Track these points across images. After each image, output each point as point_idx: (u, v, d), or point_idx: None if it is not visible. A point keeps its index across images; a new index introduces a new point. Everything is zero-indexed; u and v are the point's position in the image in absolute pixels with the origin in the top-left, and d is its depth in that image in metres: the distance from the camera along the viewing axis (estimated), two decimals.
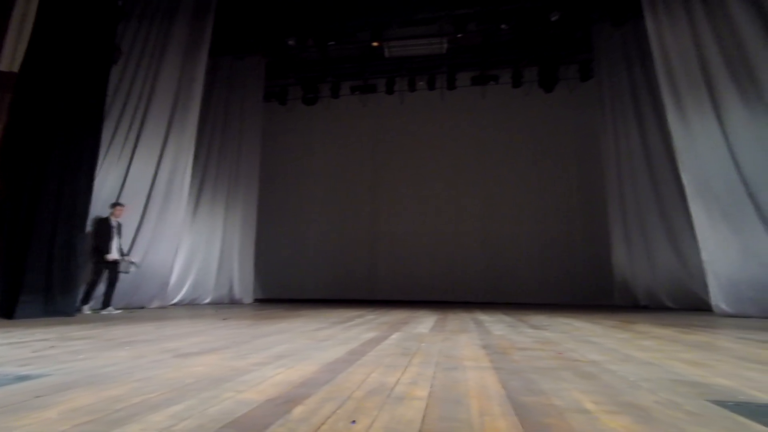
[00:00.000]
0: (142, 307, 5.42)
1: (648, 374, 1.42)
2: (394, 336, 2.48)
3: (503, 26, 7.12)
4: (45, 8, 4.24)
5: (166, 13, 6.01)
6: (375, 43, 7.42)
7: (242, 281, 7.54)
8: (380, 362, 1.62)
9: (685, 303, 5.86)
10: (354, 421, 0.90)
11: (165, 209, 5.70)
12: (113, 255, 4.76)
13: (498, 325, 3.27)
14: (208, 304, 6.93)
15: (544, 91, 8.41)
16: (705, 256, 4.76)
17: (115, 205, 4.92)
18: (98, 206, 4.98)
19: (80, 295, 4.39)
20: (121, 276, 5.10)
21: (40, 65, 4.09)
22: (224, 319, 3.75)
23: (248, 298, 7.59)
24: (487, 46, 8.14)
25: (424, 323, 3.40)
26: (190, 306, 6.55)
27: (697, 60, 5.04)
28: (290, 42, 7.40)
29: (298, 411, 0.98)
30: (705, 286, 4.84)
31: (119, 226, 4.94)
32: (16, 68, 3.86)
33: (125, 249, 5.06)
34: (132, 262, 4.98)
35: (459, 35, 7.29)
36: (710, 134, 4.88)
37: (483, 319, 3.87)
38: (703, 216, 4.80)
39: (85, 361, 1.63)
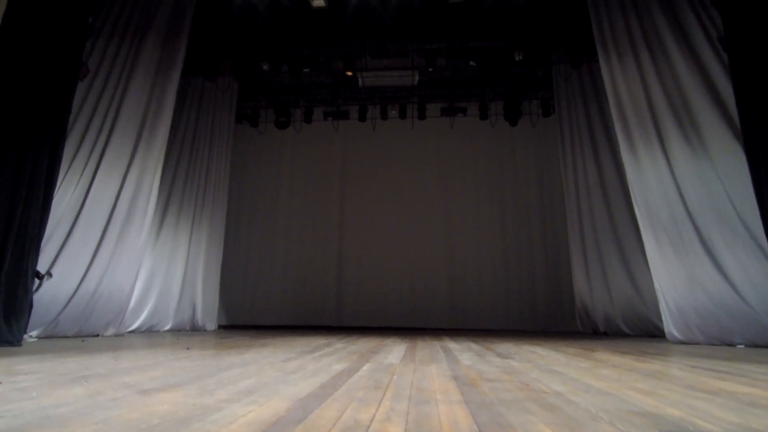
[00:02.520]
0: (97, 335, 5.10)
1: (606, 405, 1.50)
2: (365, 367, 2.48)
3: (471, 63, 7.51)
4: (10, 22, 4.11)
5: (137, 32, 5.93)
6: (349, 73, 7.61)
7: (206, 306, 7.26)
8: (353, 397, 1.62)
9: (640, 330, 6.16)
10: None
11: (126, 231, 5.46)
12: None
13: (466, 354, 3.32)
14: (169, 330, 6.61)
15: (509, 124, 8.85)
16: (657, 284, 5.06)
17: None
18: (52, 225, 4.73)
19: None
20: (74, 300, 4.82)
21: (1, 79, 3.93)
22: (187, 349, 3.60)
23: (212, 325, 7.31)
24: (455, 79, 8.53)
25: (393, 352, 3.40)
26: (149, 333, 6.22)
27: (645, 102, 5.48)
28: (264, 67, 7.47)
29: None
30: (659, 313, 5.13)
31: None
32: None
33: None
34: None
35: (430, 69, 7.61)
36: (658, 170, 5.26)
37: (451, 348, 3.92)
38: (653, 246, 5.12)
39: (37, 400, 1.53)
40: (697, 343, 4.58)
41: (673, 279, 4.90)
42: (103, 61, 5.52)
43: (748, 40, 4.17)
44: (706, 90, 4.98)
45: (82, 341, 4.43)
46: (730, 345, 4.39)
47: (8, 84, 4.05)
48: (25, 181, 4.03)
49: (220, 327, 7.82)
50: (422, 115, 8.83)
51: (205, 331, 7.00)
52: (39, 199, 4.14)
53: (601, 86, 6.48)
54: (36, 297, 4.34)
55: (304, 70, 7.93)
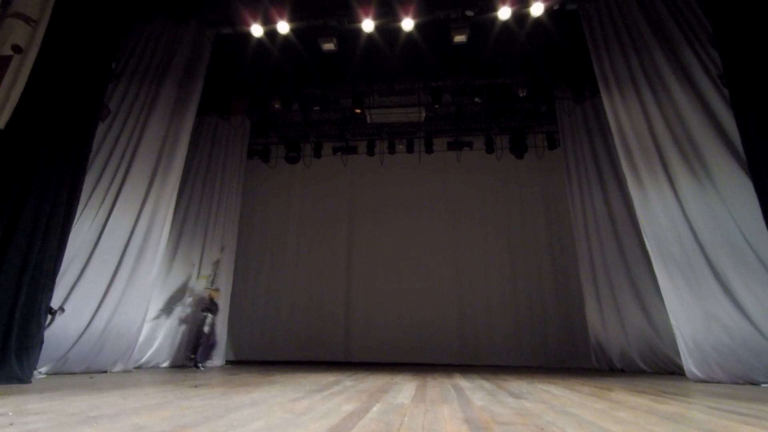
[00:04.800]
0: (105, 371, 5.07)
1: None
2: (375, 408, 2.43)
3: (477, 99, 7.72)
4: (39, 68, 4.36)
5: (156, 75, 6.24)
6: (357, 110, 7.85)
7: None
8: None
9: (658, 366, 5.95)
10: None
11: (138, 267, 5.53)
12: None
13: (478, 393, 3.24)
14: (178, 367, 6.54)
15: (515, 157, 8.97)
16: (673, 320, 4.92)
17: None
18: (66, 261, 4.81)
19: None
20: (85, 337, 4.83)
21: (27, 124, 4.14)
22: (195, 387, 3.56)
23: (219, 360, 7.23)
24: (461, 115, 8.75)
25: (404, 391, 3.33)
26: (157, 369, 6.16)
27: (649, 136, 5.53)
28: (276, 105, 7.75)
29: None
30: (676, 349, 4.97)
31: None
32: (2, 125, 3.88)
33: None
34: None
35: (436, 105, 7.82)
36: (666, 203, 5.24)
37: (463, 386, 3.82)
38: (667, 281, 5.02)
39: None
40: (718, 382, 4.40)
41: (689, 314, 4.77)
42: (123, 103, 5.81)
43: (747, 76, 4.27)
44: (708, 123, 5.03)
45: (91, 378, 4.41)
46: (753, 384, 4.21)
47: (34, 125, 4.25)
48: (44, 218, 4.16)
49: (228, 362, 7.72)
50: (429, 150, 9.00)
51: (213, 367, 6.91)
52: (56, 236, 4.25)
53: (604, 120, 6.59)
54: (46, 333, 4.37)
55: (315, 108, 8.23)
